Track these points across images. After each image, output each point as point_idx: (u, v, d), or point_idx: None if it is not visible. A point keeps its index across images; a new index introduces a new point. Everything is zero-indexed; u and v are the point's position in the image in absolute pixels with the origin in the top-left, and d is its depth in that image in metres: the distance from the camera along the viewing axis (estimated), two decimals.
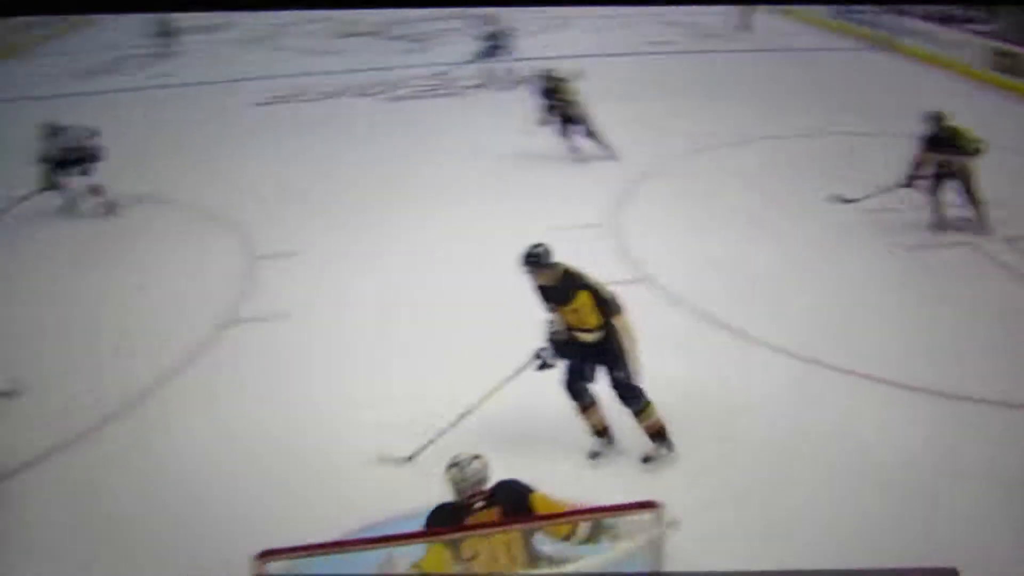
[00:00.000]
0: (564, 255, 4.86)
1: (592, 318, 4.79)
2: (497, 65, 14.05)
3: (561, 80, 10.04)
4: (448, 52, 15.29)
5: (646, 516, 3.20)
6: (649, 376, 4.93)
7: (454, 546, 3.32)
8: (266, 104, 13.99)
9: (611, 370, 4.89)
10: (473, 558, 3.30)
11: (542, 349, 5.01)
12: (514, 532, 3.35)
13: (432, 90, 14.06)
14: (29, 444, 5.39)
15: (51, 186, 9.06)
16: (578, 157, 10.02)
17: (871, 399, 5.47)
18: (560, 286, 4.84)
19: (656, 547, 3.19)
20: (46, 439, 5.45)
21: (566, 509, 3.48)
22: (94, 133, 9.19)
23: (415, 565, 3.33)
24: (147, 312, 7.07)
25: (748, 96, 12.68)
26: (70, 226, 9.04)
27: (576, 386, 5.01)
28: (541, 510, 3.46)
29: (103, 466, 5.23)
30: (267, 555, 3.03)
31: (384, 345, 6.35)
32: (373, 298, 7.07)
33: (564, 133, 10.07)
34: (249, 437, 5.39)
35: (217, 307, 7.07)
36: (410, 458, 4.95)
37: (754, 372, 5.82)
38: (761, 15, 18.47)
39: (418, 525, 3.56)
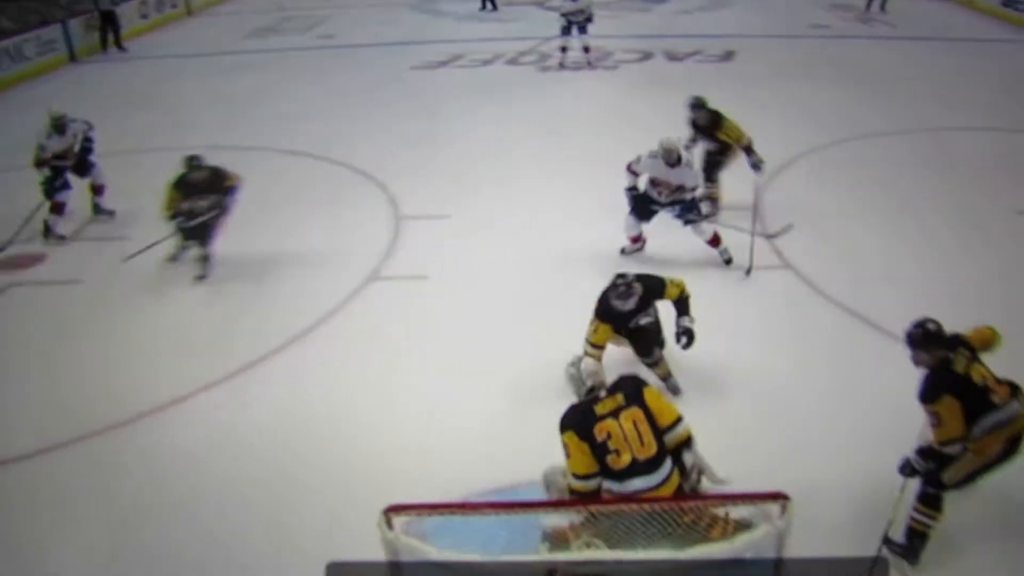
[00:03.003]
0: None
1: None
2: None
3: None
4: (607, 26, 15.03)
5: (772, 507, 3.13)
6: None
7: (588, 432, 3.75)
8: (421, 68, 14.21)
9: None
10: (609, 439, 3.73)
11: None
12: (636, 410, 3.79)
13: (587, 65, 13.77)
14: (168, 386, 5.75)
15: (51, 192, 8.07)
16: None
17: None
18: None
19: (780, 540, 3.10)
20: (190, 381, 5.80)
21: (672, 406, 4.02)
22: (89, 126, 8.39)
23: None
24: (293, 265, 7.40)
25: (895, 85, 11.92)
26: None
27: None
28: (650, 400, 3.89)
29: (239, 418, 5.48)
30: (394, 510, 3.15)
31: (521, 310, 6.47)
32: (513, 263, 7.24)
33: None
34: (380, 390, 5.61)
35: (361, 264, 7.30)
36: None
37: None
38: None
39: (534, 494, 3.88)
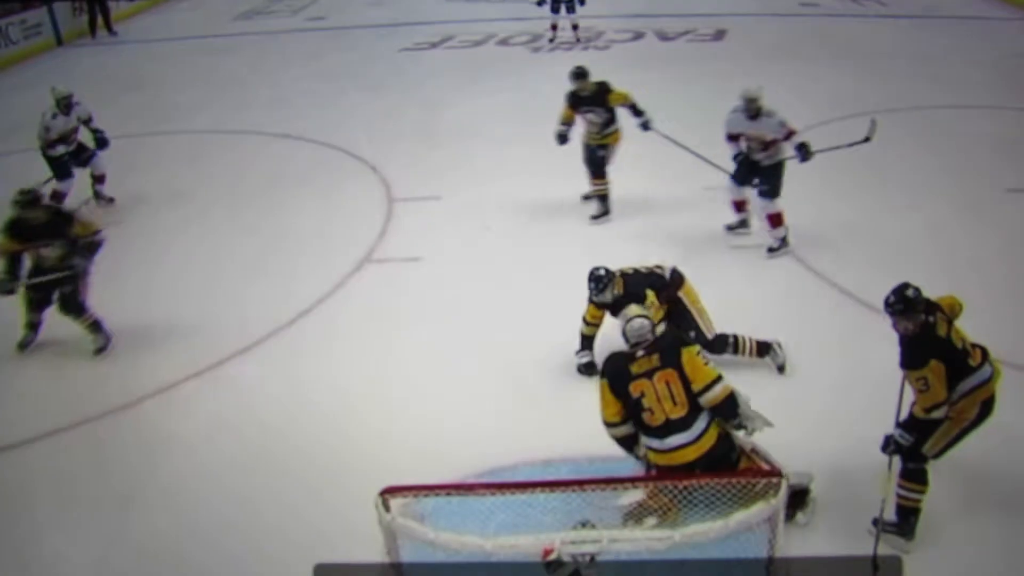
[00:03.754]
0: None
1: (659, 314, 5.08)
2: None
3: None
4: (598, 6, 14.93)
5: (764, 484, 3.14)
6: None
7: (623, 389, 3.96)
8: (412, 50, 14.12)
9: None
10: (643, 397, 3.92)
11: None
12: (670, 371, 3.92)
13: (576, 44, 13.78)
14: (159, 373, 5.75)
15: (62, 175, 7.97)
16: None
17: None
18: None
19: (775, 517, 3.11)
20: (180, 368, 5.80)
21: (708, 368, 3.98)
22: (90, 117, 8.16)
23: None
24: (286, 247, 7.40)
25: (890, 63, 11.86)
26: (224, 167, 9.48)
27: None
28: (687, 362, 3.96)
29: (233, 405, 5.48)
30: (391, 491, 3.17)
31: (515, 292, 6.48)
32: (506, 245, 7.25)
33: None
34: (375, 373, 5.62)
35: (354, 247, 7.28)
36: None
37: None
38: None
39: (551, 472, 4.06)
